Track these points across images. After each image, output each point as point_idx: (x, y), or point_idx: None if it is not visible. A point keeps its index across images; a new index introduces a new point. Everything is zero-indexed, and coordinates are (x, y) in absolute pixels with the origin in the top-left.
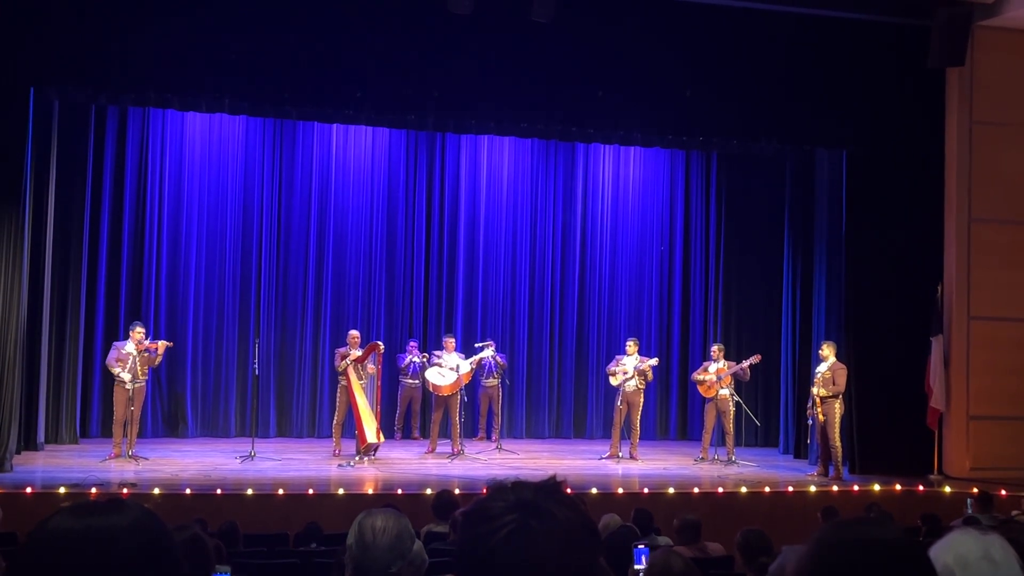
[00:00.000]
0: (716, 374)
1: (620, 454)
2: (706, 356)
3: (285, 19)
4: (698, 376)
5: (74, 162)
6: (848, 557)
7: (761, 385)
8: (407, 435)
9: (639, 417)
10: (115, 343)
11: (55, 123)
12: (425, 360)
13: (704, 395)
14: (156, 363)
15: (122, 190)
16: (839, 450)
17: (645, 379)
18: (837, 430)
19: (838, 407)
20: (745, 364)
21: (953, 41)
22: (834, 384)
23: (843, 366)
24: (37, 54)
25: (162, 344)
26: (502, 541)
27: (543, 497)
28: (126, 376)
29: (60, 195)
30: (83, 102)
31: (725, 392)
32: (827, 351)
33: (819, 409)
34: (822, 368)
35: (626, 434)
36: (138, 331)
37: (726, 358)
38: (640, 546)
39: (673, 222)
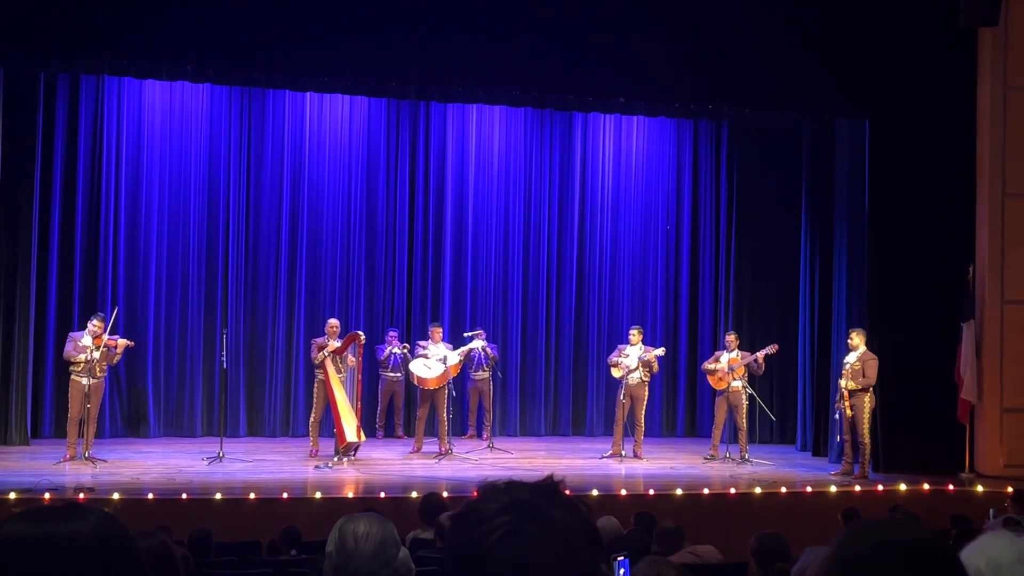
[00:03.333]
0: (728, 364)
1: (623, 452)
2: (716, 345)
3: None
4: (709, 366)
5: (21, 137)
6: (873, 560)
7: (777, 377)
8: (390, 433)
9: (644, 412)
10: (71, 334)
11: None
12: (407, 351)
13: (715, 387)
14: (114, 361)
15: (75, 167)
16: (868, 447)
17: (650, 371)
18: (867, 426)
19: (868, 401)
20: (760, 354)
21: None
22: (864, 376)
23: (874, 356)
24: None
25: (122, 342)
26: (495, 544)
27: (539, 498)
28: (84, 358)
29: (6, 174)
30: (30, 70)
31: (738, 384)
32: (856, 339)
33: (847, 403)
34: (850, 359)
35: (629, 431)
36: (96, 324)
37: (739, 348)
38: (620, 558)
39: (680, 199)
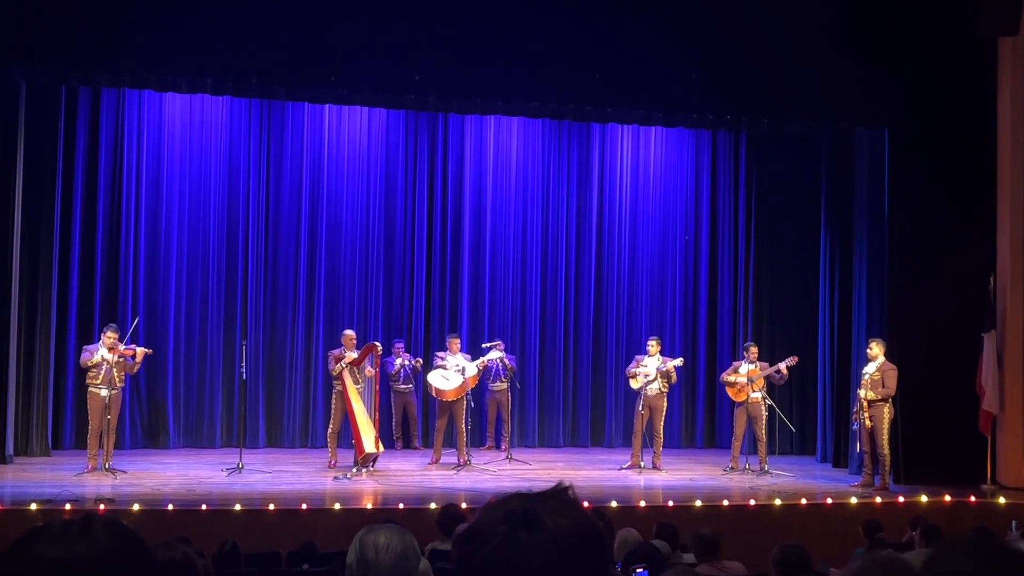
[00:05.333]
0: (748, 376)
1: (642, 464)
2: (735, 355)
3: None
4: (728, 377)
5: (43, 149)
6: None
7: (796, 387)
8: (408, 444)
9: (662, 423)
10: (86, 347)
11: (22, 106)
12: (418, 363)
13: (733, 399)
14: (134, 370)
15: (96, 179)
16: (887, 459)
17: (669, 381)
18: (886, 436)
19: (887, 411)
20: (783, 366)
21: (1005, 8)
22: (883, 387)
23: (893, 367)
24: (0, 31)
25: (140, 351)
26: (489, 555)
27: (538, 507)
28: (106, 361)
29: (28, 185)
30: (52, 83)
31: (757, 395)
32: (876, 350)
33: (866, 414)
34: (870, 369)
35: (648, 442)
36: (110, 335)
37: (758, 359)
38: (639, 570)
39: (698, 209)
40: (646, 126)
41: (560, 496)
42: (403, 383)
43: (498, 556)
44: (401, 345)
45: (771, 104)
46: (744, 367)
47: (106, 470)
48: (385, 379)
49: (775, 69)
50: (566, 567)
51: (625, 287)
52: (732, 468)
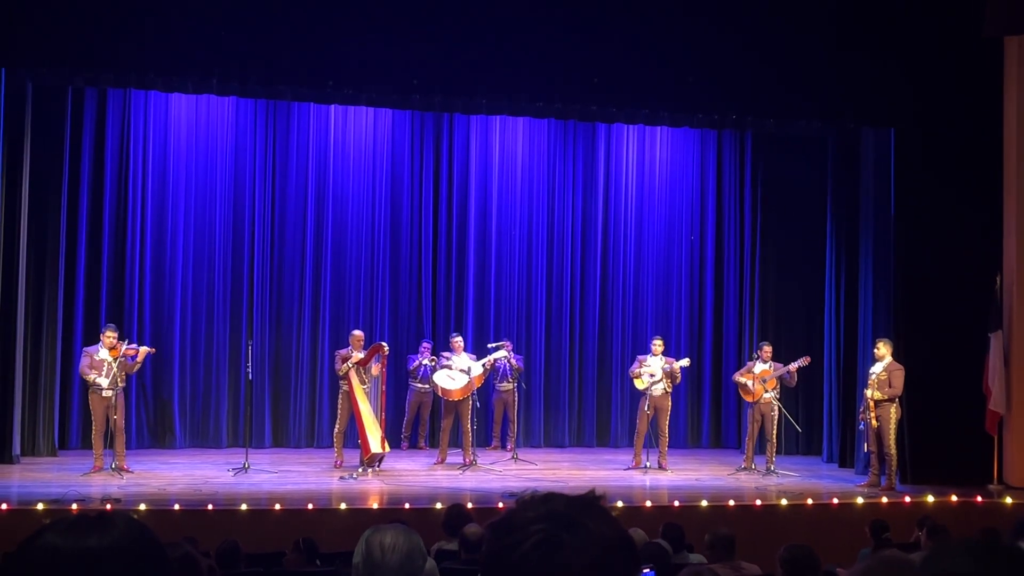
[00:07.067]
0: (760, 376)
1: (647, 464)
2: (741, 355)
3: None
4: (741, 379)
5: (50, 150)
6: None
7: (802, 387)
8: (414, 444)
9: (667, 423)
10: (86, 349)
11: (28, 107)
12: (435, 363)
13: (746, 399)
14: (134, 370)
15: (102, 180)
16: (894, 459)
17: (673, 382)
18: (892, 437)
19: (894, 411)
20: (793, 366)
21: (1011, 8)
22: (890, 386)
23: (900, 367)
24: (7, 33)
25: (143, 350)
26: (529, 553)
27: (576, 510)
28: (103, 382)
29: (34, 186)
30: (59, 84)
31: (770, 395)
32: (883, 350)
33: (873, 414)
34: (877, 369)
35: (653, 442)
36: (109, 335)
37: (772, 358)
38: (646, 570)
39: (704, 209)
40: (651, 126)
41: (596, 503)
42: (422, 382)
43: (538, 555)
44: (428, 345)
45: (776, 104)
46: (758, 367)
47: (113, 470)
48: (401, 376)
49: (780, 69)
50: (603, 572)
51: (631, 287)
52: (744, 468)
